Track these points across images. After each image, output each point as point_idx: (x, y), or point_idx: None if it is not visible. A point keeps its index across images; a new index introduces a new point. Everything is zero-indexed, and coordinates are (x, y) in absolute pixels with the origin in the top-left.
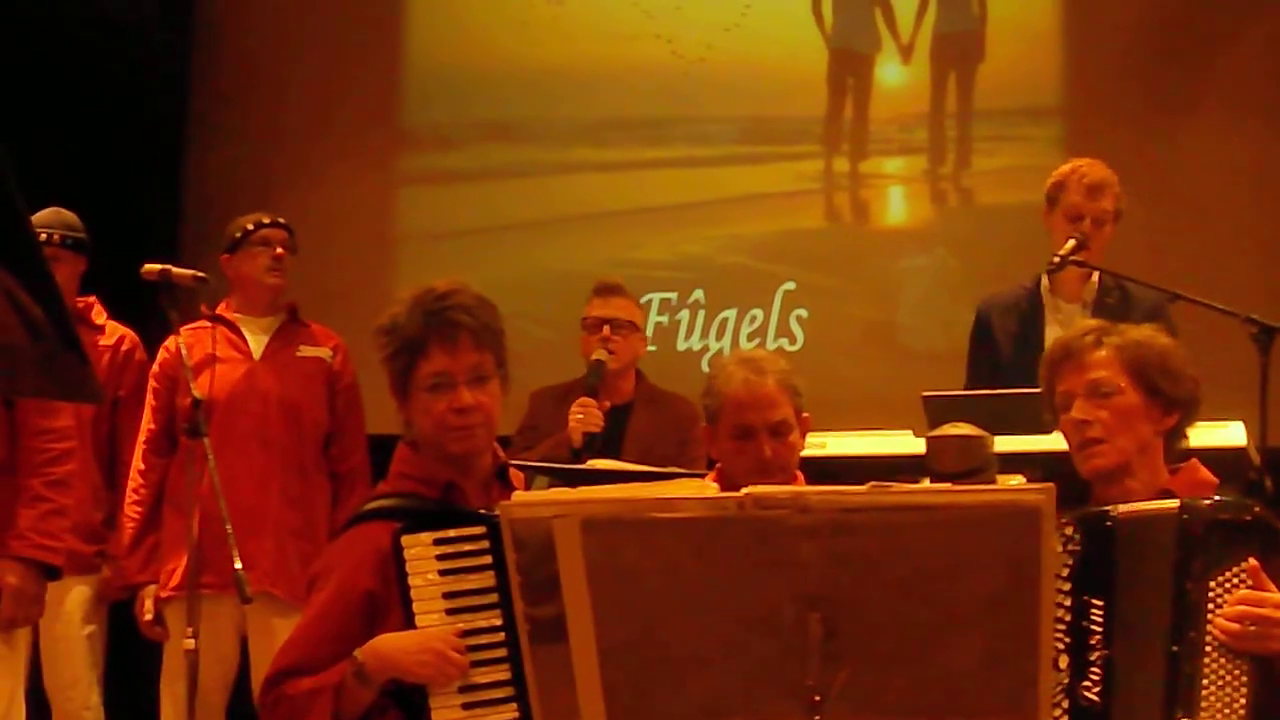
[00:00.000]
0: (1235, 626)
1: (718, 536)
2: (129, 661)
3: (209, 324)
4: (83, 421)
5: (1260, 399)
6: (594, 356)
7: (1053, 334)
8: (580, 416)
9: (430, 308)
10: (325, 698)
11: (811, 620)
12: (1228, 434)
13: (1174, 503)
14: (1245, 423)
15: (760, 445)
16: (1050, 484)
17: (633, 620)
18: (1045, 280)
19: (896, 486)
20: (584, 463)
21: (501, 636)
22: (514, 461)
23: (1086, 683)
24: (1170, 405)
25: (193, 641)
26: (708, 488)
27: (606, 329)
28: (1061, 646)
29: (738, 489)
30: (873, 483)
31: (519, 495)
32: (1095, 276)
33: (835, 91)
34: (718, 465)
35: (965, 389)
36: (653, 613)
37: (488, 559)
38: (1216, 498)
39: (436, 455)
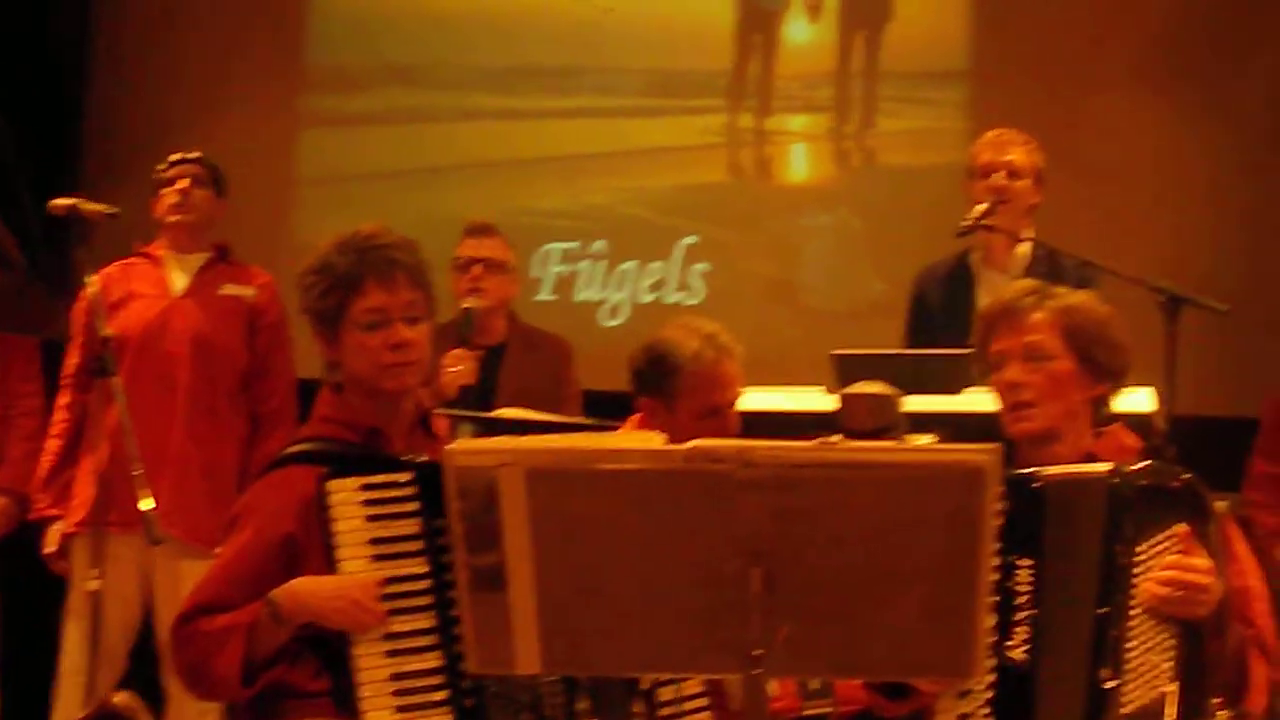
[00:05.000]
0: (1163, 591)
1: (663, 489)
2: (31, 600)
3: (138, 261)
4: None
5: (1166, 367)
6: (462, 304)
7: (984, 304)
8: (456, 369)
9: (365, 245)
10: (238, 636)
11: (753, 574)
12: (1135, 400)
13: (1105, 467)
14: (1152, 391)
15: (726, 423)
16: (997, 445)
17: (574, 570)
18: (976, 252)
19: (843, 443)
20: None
21: (426, 584)
22: (437, 410)
23: (1013, 642)
24: (1102, 373)
25: (97, 582)
26: (654, 439)
27: (477, 269)
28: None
29: None
30: (820, 438)
31: (463, 443)
32: (1025, 247)
33: (742, 47)
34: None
35: None
36: (594, 563)
37: (414, 506)
38: (1147, 463)
39: (363, 398)
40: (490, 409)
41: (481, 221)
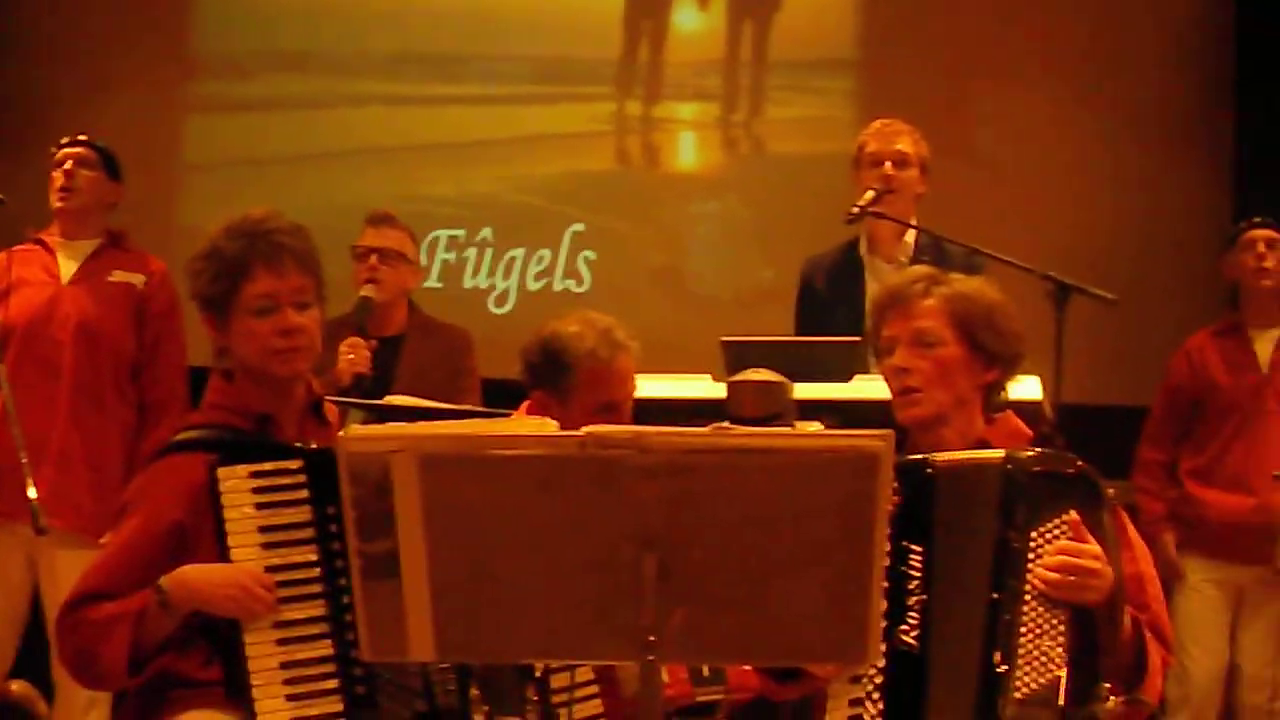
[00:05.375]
0: (1055, 576)
1: (557, 475)
2: None
3: (32, 248)
4: None
5: (1055, 355)
6: (360, 293)
7: (873, 293)
8: (350, 357)
9: (254, 231)
10: (125, 624)
11: (647, 560)
12: (1023, 388)
13: (999, 453)
14: (1040, 380)
15: (620, 420)
16: (889, 431)
17: (468, 557)
18: (864, 242)
19: (738, 429)
20: None
21: (317, 572)
22: (328, 397)
23: (904, 627)
24: (992, 360)
25: None
26: (547, 425)
27: (374, 259)
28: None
29: None
30: (715, 424)
31: (355, 429)
32: (911, 237)
33: (630, 34)
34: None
35: None
36: (488, 550)
37: (305, 493)
38: (1040, 450)
39: (253, 385)
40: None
41: (382, 212)
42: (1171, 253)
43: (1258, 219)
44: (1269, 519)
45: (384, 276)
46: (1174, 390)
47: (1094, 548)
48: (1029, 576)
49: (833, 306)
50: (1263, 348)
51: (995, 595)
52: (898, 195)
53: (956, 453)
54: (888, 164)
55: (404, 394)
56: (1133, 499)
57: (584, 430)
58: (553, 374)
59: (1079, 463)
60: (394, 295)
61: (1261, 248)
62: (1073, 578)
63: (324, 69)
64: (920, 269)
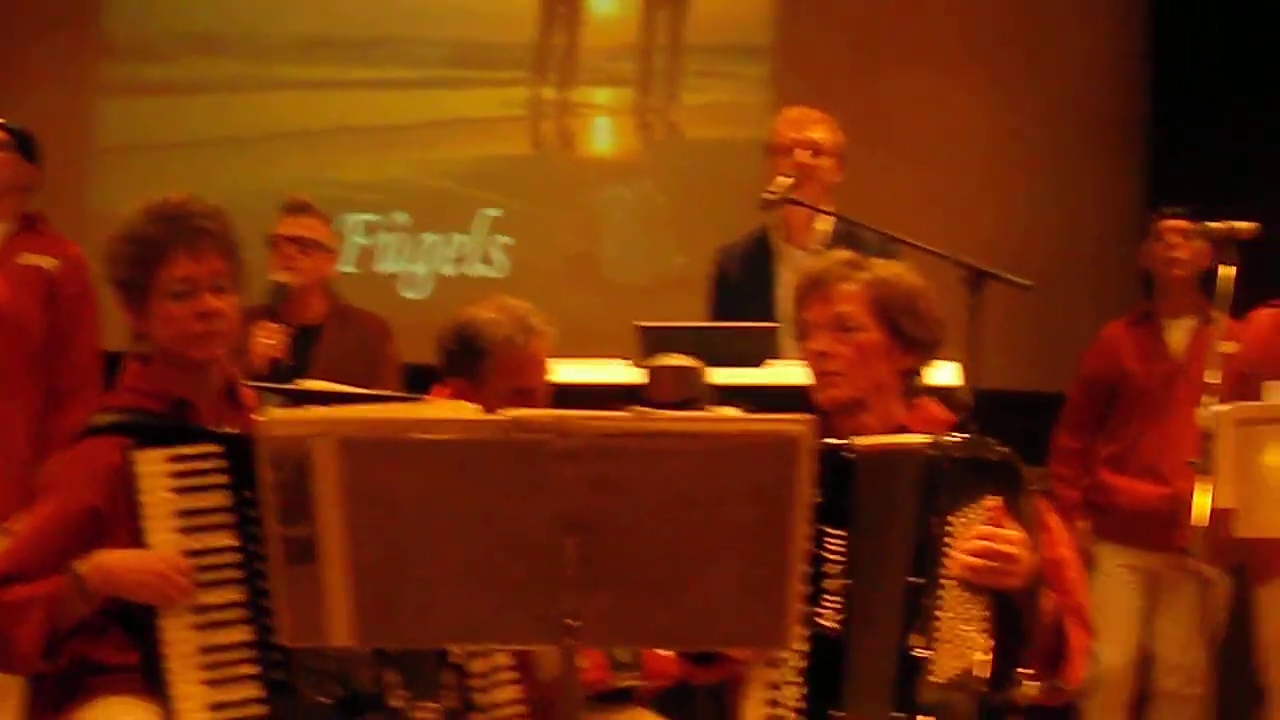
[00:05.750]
0: (976, 561)
1: (478, 459)
2: None
3: None
4: None
5: (971, 342)
6: (274, 278)
7: (786, 281)
8: (269, 342)
9: (173, 214)
10: (39, 607)
11: (567, 545)
12: (941, 374)
13: (923, 438)
14: (957, 366)
15: (535, 405)
16: (810, 416)
17: (387, 542)
18: (777, 230)
19: (659, 413)
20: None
21: (235, 557)
22: (246, 382)
23: (824, 611)
24: (911, 345)
25: None
26: (467, 409)
27: (290, 247)
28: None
29: None
30: (636, 408)
31: (275, 413)
32: (824, 225)
33: (545, 19)
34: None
35: None
36: (408, 534)
37: (222, 478)
38: (964, 435)
39: (170, 369)
40: None
41: (300, 199)
42: (1087, 241)
43: (1170, 209)
44: (1181, 506)
45: (301, 265)
46: (1089, 379)
47: (1015, 533)
48: (949, 561)
49: (745, 294)
50: (1175, 337)
51: (916, 580)
52: (811, 183)
53: (878, 437)
54: (800, 152)
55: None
56: (1048, 486)
57: (505, 414)
58: (468, 360)
59: (1001, 449)
60: (311, 283)
61: (1174, 238)
62: (993, 563)
63: (239, 52)
64: (842, 253)
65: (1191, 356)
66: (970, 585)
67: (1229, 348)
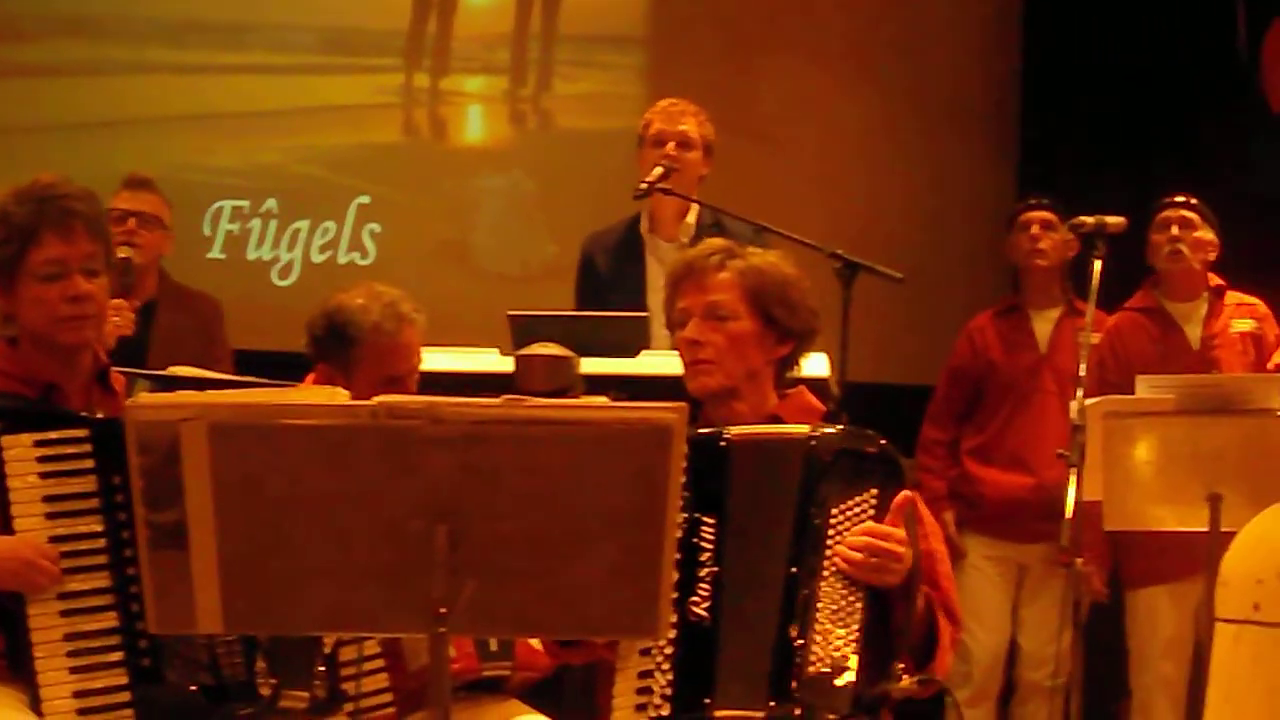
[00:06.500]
0: (857, 556)
1: (349, 445)
2: None
3: None
4: None
5: (841, 333)
6: (118, 254)
7: (653, 272)
8: (114, 319)
9: (44, 196)
10: None
11: (438, 532)
12: (810, 365)
13: (804, 429)
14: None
15: (405, 393)
16: (683, 404)
17: (257, 528)
18: (645, 220)
19: (531, 401)
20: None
21: (103, 543)
22: (116, 368)
23: (696, 599)
24: (785, 335)
25: None
26: (339, 395)
27: (132, 222)
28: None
29: None
30: (507, 396)
31: (145, 397)
32: (692, 216)
33: (419, 6)
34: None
35: None
36: (278, 520)
37: (91, 463)
38: (843, 427)
39: (39, 352)
40: (143, 367)
41: (139, 175)
42: (958, 234)
43: (1033, 200)
44: (1047, 497)
45: (141, 240)
46: (955, 370)
47: (898, 531)
48: (829, 554)
49: (612, 284)
50: (1041, 327)
51: (793, 570)
52: (681, 176)
53: (756, 426)
54: (671, 145)
55: (158, 362)
56: (915, 478)
57: (376, 400)
58: (337, 346)
59: (881, 441)
60: (150, 260)
61: (1036, 229)
62: (875, 559)
63: (106, 34)
64: (717, 241)
65: (1057, 347)
66: (849, 579)
67: (1095, 339)
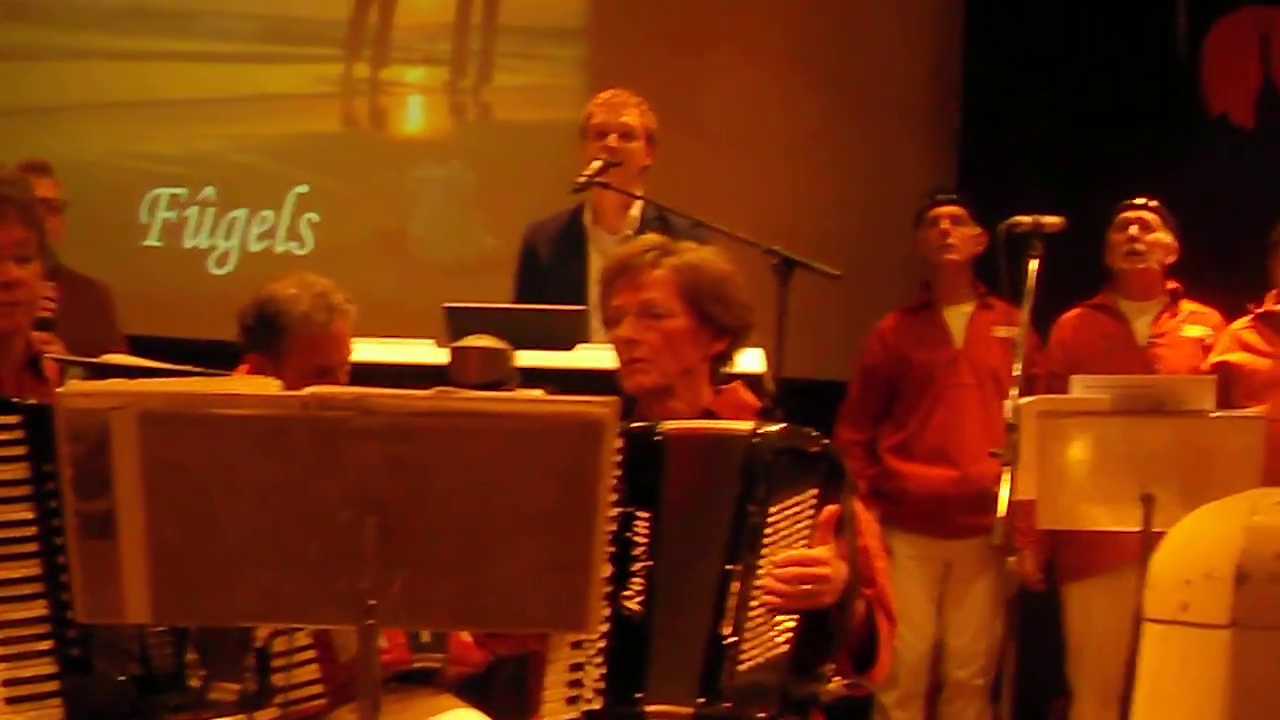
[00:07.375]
0: (786, 588)
1: (279, 435)
2: None
3: None
4: None
5: (777, 329)
6: None
7: (595, 264)
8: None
9: None
10: None
11: (368, 523)
12: (745, 360)
13: (746, 425)
14: (763, 353)
15: (335, 384)
16: (614, 398)
17: (186, 518)
18: (588, 211)
19: (462, 393)
20: None
21: (33, 531)
22: (50, 355)
23: (628, 593)
24: (720, 331)
25: None
26: (270, 385)
27: (42, 208)
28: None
29: None
30: (439, 388)
31: (75, 385)
32: (636, 209)
33: None
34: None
35: None
36: (208, 511)
37: (21, 449)
38: (784, 425)
39: None
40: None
41: (39, 160)
42: (897, 230)
43: (941, 195)
44: (972, 490)
45: (53, 225)
46: (869, 370)
47: (822, 552)
48: (765, 553)
49: (553, 275)
50: (955, 322)
51: (729, 567)
52: (623, 167)
53: (692, 421)
54: (613, 136)
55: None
56: None
57: (307, 391)
58: (267, 336)
59: (824, 440)
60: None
61: (945, 224)
62: (806, 586)
63: (43, 19)
64: (651, 238)
65: (972, 341)
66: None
67: (1006, 333)
